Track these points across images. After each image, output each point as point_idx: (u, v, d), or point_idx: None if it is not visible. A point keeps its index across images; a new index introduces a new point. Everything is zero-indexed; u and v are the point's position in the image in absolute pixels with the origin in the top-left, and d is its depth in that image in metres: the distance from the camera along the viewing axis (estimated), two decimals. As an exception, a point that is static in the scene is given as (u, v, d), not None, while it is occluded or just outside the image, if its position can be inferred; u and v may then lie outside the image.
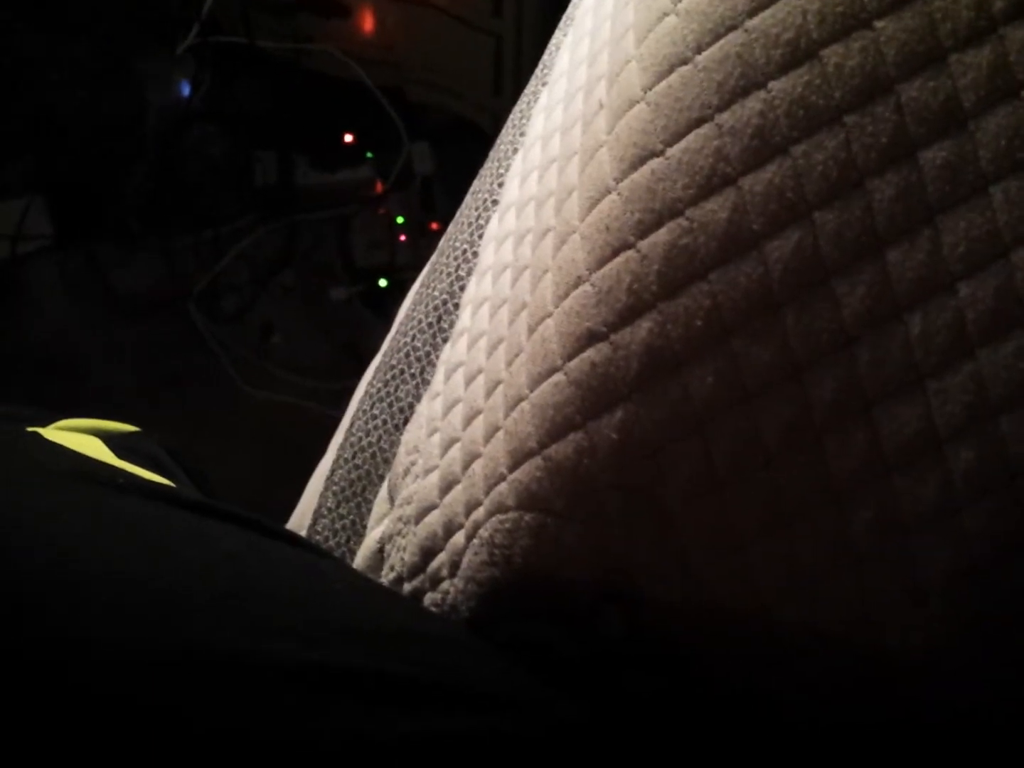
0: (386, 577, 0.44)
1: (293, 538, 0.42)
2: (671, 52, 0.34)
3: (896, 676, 0.36)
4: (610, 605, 0.36)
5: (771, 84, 0.33)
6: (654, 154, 0.34)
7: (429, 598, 0.42)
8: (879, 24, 0.32)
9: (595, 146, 0.36)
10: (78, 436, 0.47)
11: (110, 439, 0.49)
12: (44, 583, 0.32)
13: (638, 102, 0.35)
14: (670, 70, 0.34)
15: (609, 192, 0.35)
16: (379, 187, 1.32)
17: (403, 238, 1.34)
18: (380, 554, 0.46)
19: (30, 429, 0.44)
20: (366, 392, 0.51)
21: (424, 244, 1.36)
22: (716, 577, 0.35)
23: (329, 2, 1.07)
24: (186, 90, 1.33)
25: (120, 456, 0.46)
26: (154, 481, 0.42)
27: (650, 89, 0.34)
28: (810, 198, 0.32)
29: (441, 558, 0.41)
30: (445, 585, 0.41)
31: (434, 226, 1.34)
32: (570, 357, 0.35)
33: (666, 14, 0.35)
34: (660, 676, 0.38)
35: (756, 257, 0.32)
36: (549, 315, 0.36)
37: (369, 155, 1.31)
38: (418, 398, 0.48)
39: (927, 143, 0.32)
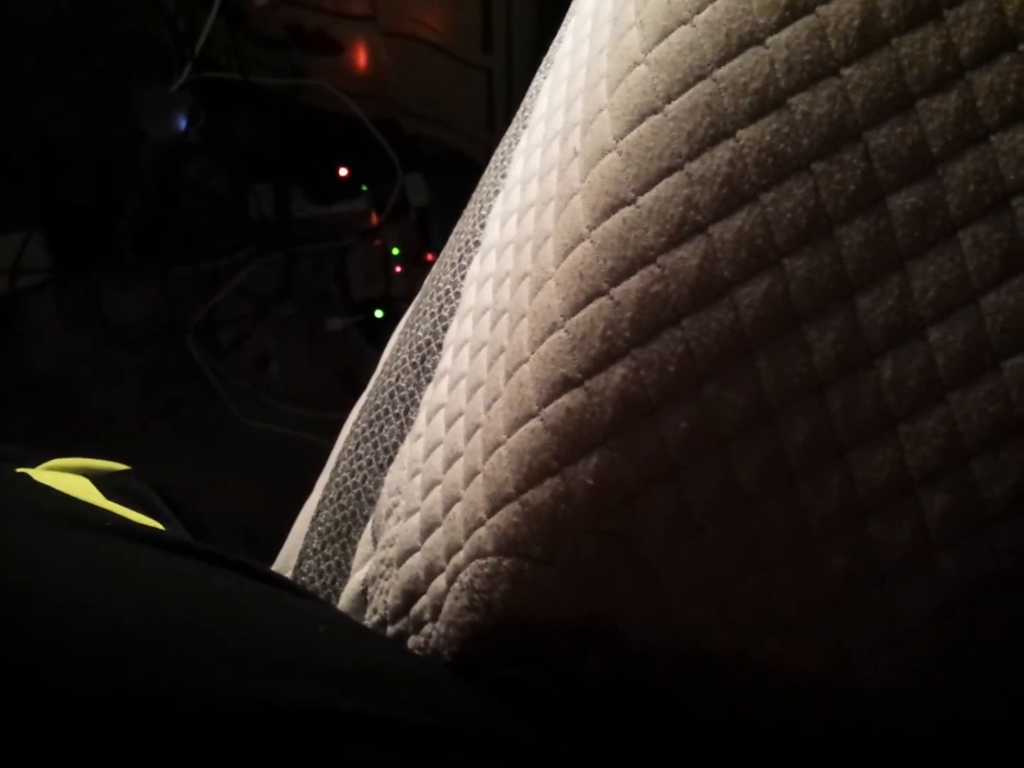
0: (369, 620, 0.44)
1: (278, 580, 0.42)
2: (641, 102, 0.35)
3: (878, 713, 0.36)
4: (591, 649, 0.36)
5: (740, 133, 0.33)
6: (625, 203, 0.34)
7: (412, 641, 0.42)
8: (846, 71, 0.33)
9: (569, 193, 0.37)
10: (67, 477, 0.47)
11: (99, 480, 0.49)
12: (29, 623, 0.33)
13: (610, 151, 0.35)
14: (640, 119, 0.34)
15: (583, 239, 0.35)
16: (374, 219, 1.33)
17: (399, 269, 1.34)
18: (364, 596, 0.46)
19: (19, 470, 0.44)
20: (351, 431, 0.51)
21: (419, 275, 1.37)
22: (696, 621, 0.35)
23: (321, 38, 1.09)
24: (182, 124, 1.34)
25: (109, 497, 0.46)
26: (141, 524, 0.42)
27: (621, 138, 0.35)
28: (780, 245, 0.32)
29: (423, 601, 0.41)
30: (427, 628, 0.41)
31: (429, 257, 1.35)
32: (546, 403, 0.35)
33: (636, 63, 0.35)
34: (644, 711, 0.38)
35: (727, 303, 0.32)
36: (525, 360, 0.36)
37: (364, 188, 1.32)
38: (402, 438, 0.48)
39: (896, 189, 0.32)
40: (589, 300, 0.34)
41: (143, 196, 1.33)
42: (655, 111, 0.34)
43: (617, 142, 0.35)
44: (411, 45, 1.05)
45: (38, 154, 1.30)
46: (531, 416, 0.35)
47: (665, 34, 0.35)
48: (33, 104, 1.32)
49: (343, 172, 1.30)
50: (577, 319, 0.34)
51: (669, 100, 0.34)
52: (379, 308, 1.36)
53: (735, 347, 0.32)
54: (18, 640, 0.32)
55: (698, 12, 0.35)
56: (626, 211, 0.34)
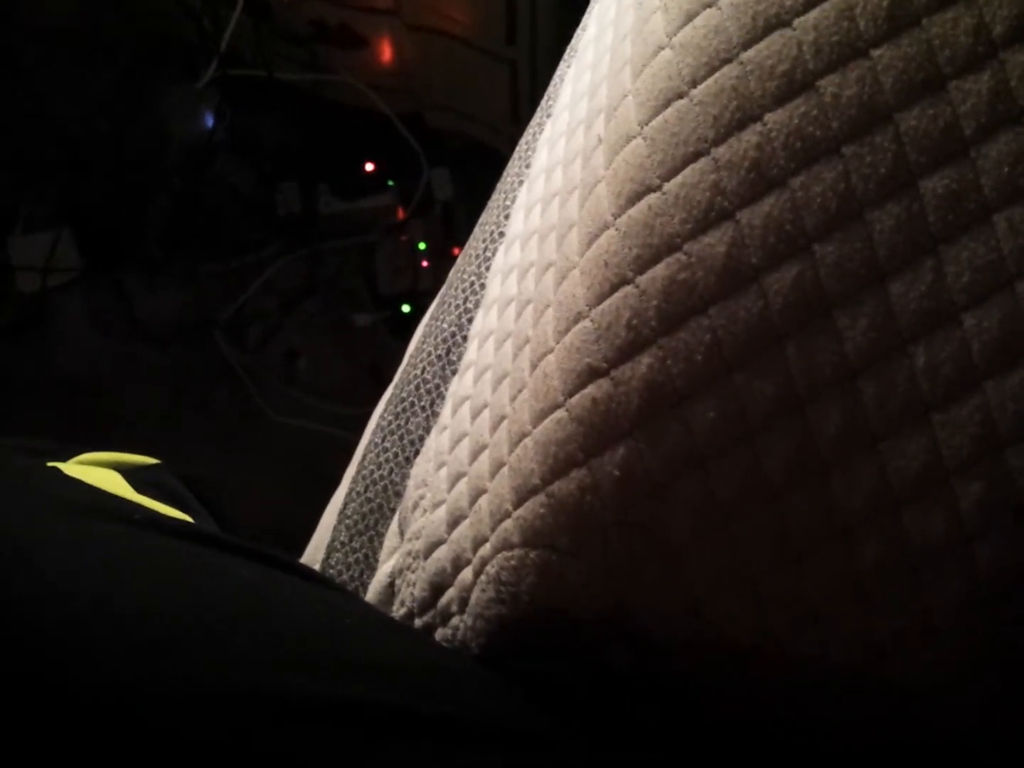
0: (397, 612, 0.44)
1: (306, 572, 0.42)
2: (666, 86, 0.34)
3: (910, 706, 0.35)
4: (617, 641, 0.35)
5: (767, 116, 0.32)
6: (651, 189, 0.34)
7: (440, 633, 0.42)
8: (876, 52, 0.32)
9: (594, 181, 0.36)
10: (98, 471, 0.47)
11: (129, 473, 0.49)
12: (56, 618, 0.33)
13: (635, 137, 0.35)
14: (666, 104, 0.34)
15: (607, 227, 0.34)
16: (401, 214, 1.33)
17: (425, 264, 1.34)
18: (391, 588, 0.45)
19: (50, 464, 0.45)
20: (378, 424, 0.51)
21: (446, 269, 1.37)
22: (725, 614, 0.34)
23: (345, 33, 1.09)
24: (209, 121, 1.35)
25: (139, 490, 0.46)
26: (171, 516, 0.42)
27: (646, 124, 0.34)
28: (809, 230, 0.32)
29: (450, 594, 0.41)
30: (455, 621, 0.40)
31: (456, 251, 1.34)
32: (571, 393, 0.34)
33: (661, 48, 0.35)
34: (668, 704, 0.37)
35: (756, 291, 0.32)
36: (550, 351, 0.36)
37: (390, 183, 1.32)
38: (428, 430, 0.48)
39: (928, 172, 0.32)
40: (614, 289, 0.34)
41: (170, 194, 1.34)
42: (680, 96, 0.34)
43: (642, 128, 0.34)
44: (434, 38, 1.05)
45: (65, 154, 1.32)
46: (556, 407, 0.35)
47: (690, 17, 0.34)
48: (59, 104, 1.33)
49: (369, 167, 1.30)
50: (602, 308, 0.34)
51: (695, 84, 0.33)
52: (406, 303, 1.36)
53: (764, 335, 0.32)
54: (43, 635, 0.32)
55: (724, -5, 0.34)
56: (651, 198, 0.33)
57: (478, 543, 0.39)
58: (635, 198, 0.34)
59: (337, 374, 1.43)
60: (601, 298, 0.34)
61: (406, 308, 1.37)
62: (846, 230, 0.32)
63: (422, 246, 1.35)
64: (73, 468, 0.46)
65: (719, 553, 0.34)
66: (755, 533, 0.33)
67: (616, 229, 0.34)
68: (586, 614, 0.35)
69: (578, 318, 0.35)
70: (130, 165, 1.29)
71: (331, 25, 1.09)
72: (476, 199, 1.47)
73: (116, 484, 0.47)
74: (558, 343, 0.35)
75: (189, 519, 0.46)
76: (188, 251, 1.35)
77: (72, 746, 0.30)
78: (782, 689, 0.36)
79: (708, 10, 0.34)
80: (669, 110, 0.34)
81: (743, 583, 0.34)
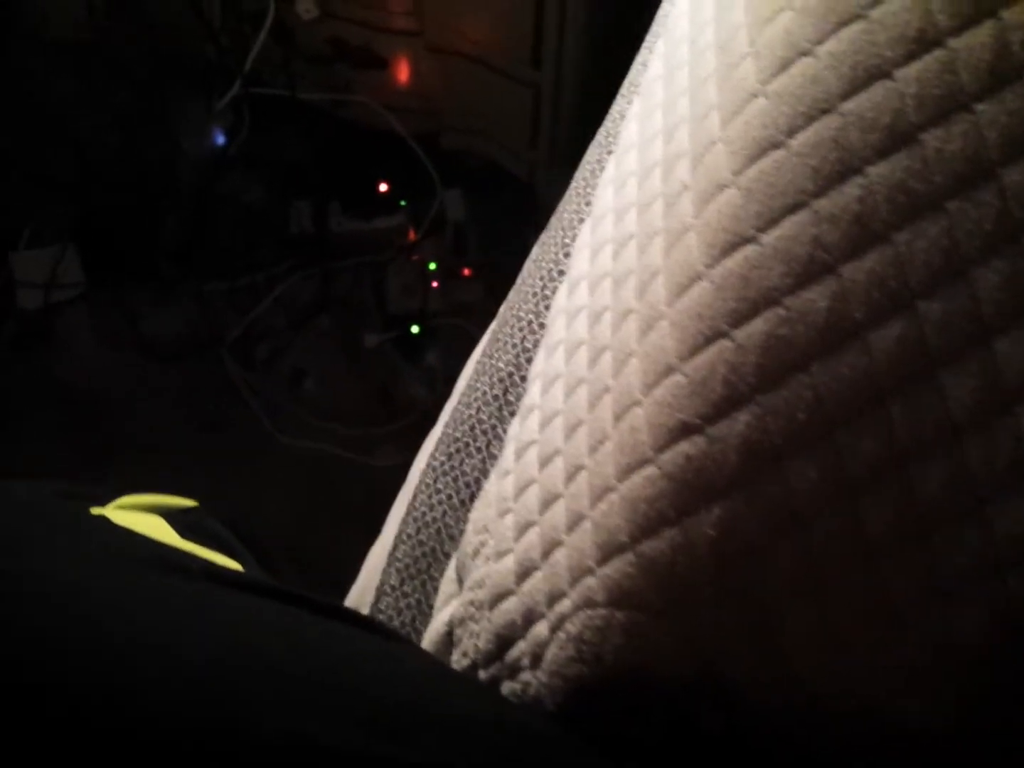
0: (458, 663, 0.43)
1: (369, 624, 0.41)
2: (761, 135, 0.33)
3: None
4: (706, 702, 0.34)
5: (869, 169, 0.32)
6: (747, 240, 0.33)
7: (508, 687, 0.40)
8: (979, 107, 0.31)
9: (681, 229, 0.35)
10: (143, 517, 0.46)
11: (171, 516, 0.48)
12: (123, 677, 0.32)
13: (727, 186, 0.34)
14: (761, 154, 0.33)
15: (700, 278, 0.34)
16: (412, 234, 1.32)
17: (435, 284, 1.33)
18: (449, 637, 0.44)
19: (96, 511, 0.44)
20: (428, 465, 0.50)
21: (456, 289, 1.36)
22: (819, 677, 0.33)
23: (367, 54, 1.08)
24: (220, 139, 1.34)
25: (184, 536, 0.45)
26: (225, 567, 0.41)
27: (740, 173, 0.34)
28: (913, 287, 0.31)
29: (521, 647, 0.40)
30: (526, 676, 0.39)
31: (466, 272, 1.33)
32: (662, 449, 0.33)
33: (754, 96, 0.34)
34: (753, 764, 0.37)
35: (860, 348, 0.31)
36: (638, 403, 0.35)
37: (403, 203, 1.31)
38: (484, 473, 0.47)
39: (1033, 228, 0.31)
40: (708, 342, 0.33)
41: (180, 211, 1.33)
42: (777, 145, 0.33)
43: (736, 177, 0.34)
44: (457, 60, 1.04)
45: (74, 170, 1.30)
46: (646, 462, 0.34)
47: (785, 65, 0.34)
48: (71, 118, 1.32)
49: (383, 188, 1.29)
50: (695, 362, 0.33)
51: (792, 134, 0.33)
52: (415, 323, 1.35)
53: (868, 393, 0.31)
54: (122, 692, 0.31)
55: (820, 43, 0.33)
56: (748, 249, 0.33)
57: (554, 598, 0.37)
58: (730, 249, 0.33)
59: (344, 394, 1.42)
60: (694, 351, 0.33)
61: (415, 329, 1.36)
62: (950, 287, 0.31)
63: (432, 266, 1.34)
64: (119, 515, 0.45)
65: (814, 614, 0.33)
66: (852, 594, 0.32)
67: (710, 281, 0.33)
68: (674, 676, 0.34)
69: (669, 371, 0.34)
70: (139, 182, 1.28)
71: (351, 45, 1.08)
72: (488, 220, 1.46)
73: (163, 530, 0.46)
74: (646, 396, 0.34)
75: (239, 566, 0.45)
76: (197, 268, 1.34)
77: None
78: (867, 745, 0.35)
79: (804, 59, 0.33)
80: (765, 160, 0.33)
81: (839, 647, 0.33)
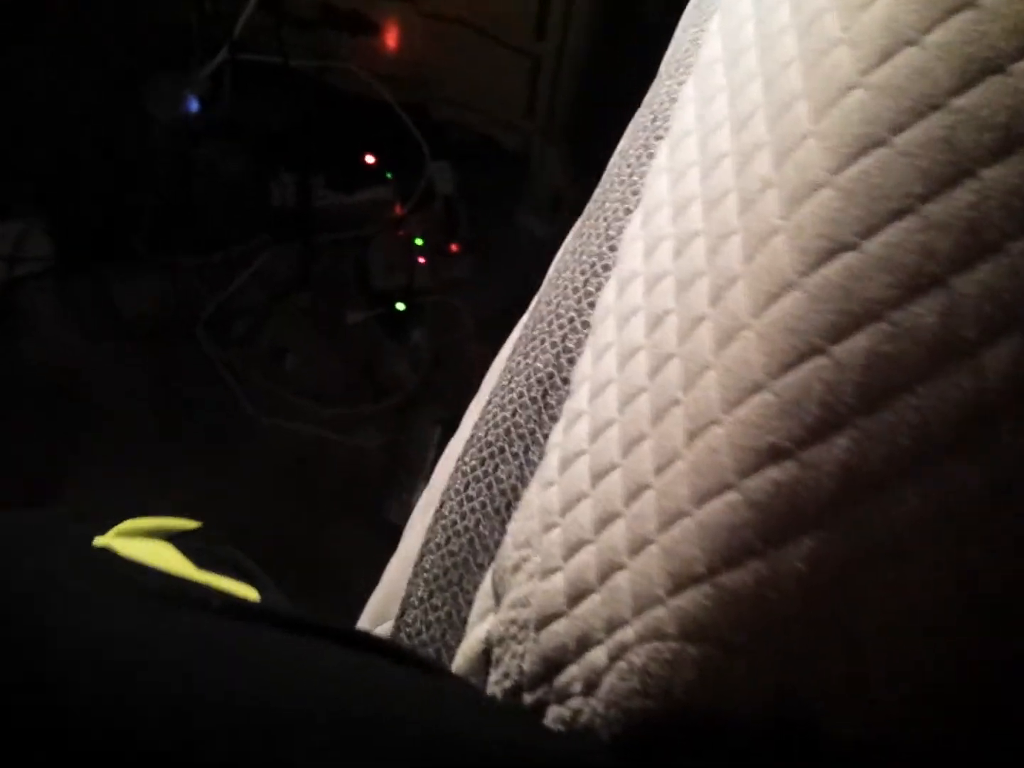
0: (499, 684, 0.40)
1: (398, 653, 0.38)
2: (862, 132, 0.31)
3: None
4: (785, 738, 0.32)
5: (983, 172, 0.29)
6: (846, 247, 0.30)
7: (555, 712, 0.38)
8: (1102, 105, 0.29)
9: (767, 231, 0.32)
10: (150, 545, 0.43)
11: (181, 542, 0.45)
12: (152, 719, 0.30)
13: (823, 186, 0.31)
14: (862, 152, 0.30)
15: (791, 287, 0.31)
16: (399, 208, 1.28)
17: (422, 260, 1.29)
18: (486, 656, 0.42)
19: (99, 543, 0.41)
20: (458, 469, 0.47)
21: (444, 266, 1.32)
22: (905, 715, 0.31)
23: (357, 18, 1.03)
24: (194, 106, 1.28)
25: (200, 565, 0.42)
26: (246, 600, 0.39)
27: (838, 172, 0.31)
28: (1031, 301, 0.29)
29: (572, 672, 0.37)
30: (577, 703, 0.37)
31: (454, 248, 1.30)
32: (747, 474, 0.31)
33: (851, 87, 0.31)
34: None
35: (970, 368, 0.29)
36: (717, 422, 0.32)
37: (389, 175, 1.26)
38: (522, 480, 0.44)
39: None
40: (803, 359, 0.30)
41: (153, 181, 1.27)
42: (880, 143, 0.30)
43: (832, 176, 0.31)
44: (453, 28, 0.99)
45: (43, 141, 1.24)
46: (727, 487, 0.31)
47: (887, 56, 0.31)
48: (31, 85, 1.25)
49: (369, 159, 1.25)
50: (787, 380, 0.30)
51: (897, 132, 0.30)
52: (401, 300, 1.31)
53: (979, 417, 0.29)
54: (151, 733, 0.29)
55: (926, 32, 0.30)
56: (848, 257, 0.30)
57: (614, 625, 0.35)
58: (827, 256, 0.30)
59: (326, 372, 1.38)
60: (785, 368, 0.30)
61: (400, 306, 1.32)
62: (1069, 302, 0.29)
63: (419, 242, 1.30)
64: (124, 544, 0.42)
65: (908, 650, 0.30)
66: (953, 629, 0.30)
67: (804, 291, 0.30)
68: (748, 714, 0.32)
69: (756, 389, 0.31)
70: (109, 150, 1.22)
71: (341, 9, 1.03)
72: (478, 194, 1.41)
73: (176, 561, 0.43)
74: (728, 414, 0.32)
75: (256, 592, 0.42)
76: (172, 241, 1.28)
77: None
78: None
79: (909, 48, 0.30)
80: (868, 159, 0.30)
81: (930, 690, 0.30)
